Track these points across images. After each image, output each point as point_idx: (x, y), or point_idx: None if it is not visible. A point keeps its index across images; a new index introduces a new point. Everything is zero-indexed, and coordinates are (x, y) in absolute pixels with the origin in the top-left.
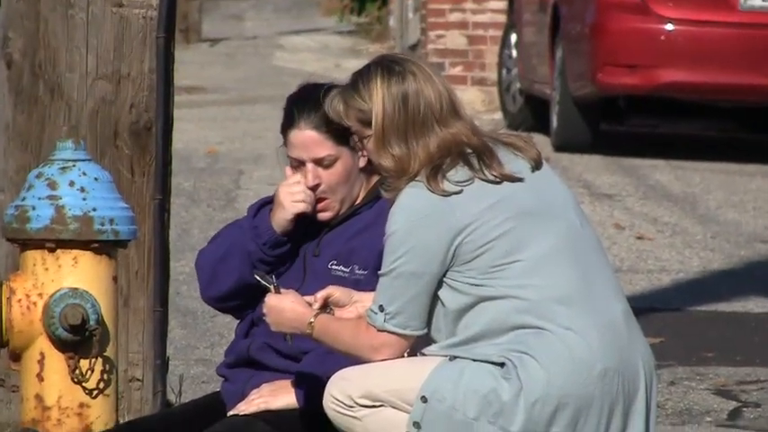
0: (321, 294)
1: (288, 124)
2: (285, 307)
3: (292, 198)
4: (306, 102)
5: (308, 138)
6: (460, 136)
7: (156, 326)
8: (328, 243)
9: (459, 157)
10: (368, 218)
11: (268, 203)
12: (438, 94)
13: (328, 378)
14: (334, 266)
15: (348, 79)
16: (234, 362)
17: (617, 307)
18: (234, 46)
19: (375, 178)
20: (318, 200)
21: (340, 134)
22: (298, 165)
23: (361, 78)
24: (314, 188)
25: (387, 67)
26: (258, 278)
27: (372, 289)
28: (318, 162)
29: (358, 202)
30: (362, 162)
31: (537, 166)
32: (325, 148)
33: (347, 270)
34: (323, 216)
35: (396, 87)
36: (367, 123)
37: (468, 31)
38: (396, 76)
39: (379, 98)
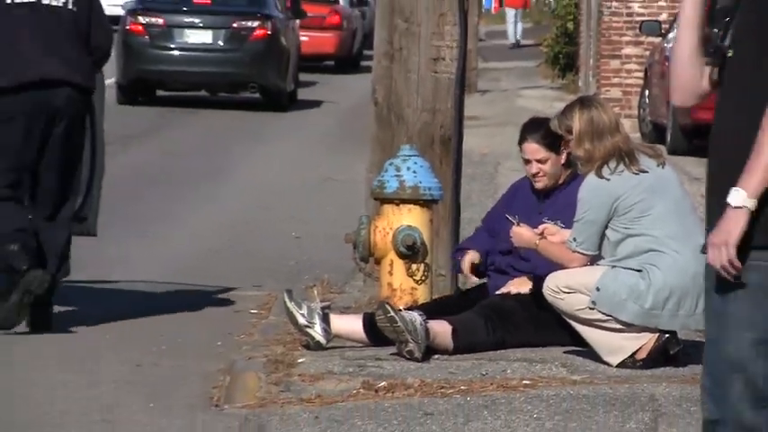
0: (542, 225)
1: (522, 139)
2: (523, 233)
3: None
4: (531, 127)
5: (533, 148)
6: (620, 143)
7: (452, 247)
8: (547, 208)
9: (619, 157)
10: (566, 196)
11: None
12: (609, 119)
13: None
14: (545, 220)
15: (561, 109)
16: (494, 270)
17: (702, 241)
18: (494, 94)
19: (570, 170)
20: (535, 174)
21: (549, 145)
22: (527, 162)
23: (569, 108)
24: (536, 173)
25: (582, 101)
26: (508, 217)
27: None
28: (538, 161)
29: (561, 182)
30: (563, 160)
31: (662, 165)
32: (542, 153)
33: (552, 222)
34: (537, 184)
35: (587, 112)
36: (569, 132)
37: (622, 88)
38: (587, 106)
39: (577, 118)
